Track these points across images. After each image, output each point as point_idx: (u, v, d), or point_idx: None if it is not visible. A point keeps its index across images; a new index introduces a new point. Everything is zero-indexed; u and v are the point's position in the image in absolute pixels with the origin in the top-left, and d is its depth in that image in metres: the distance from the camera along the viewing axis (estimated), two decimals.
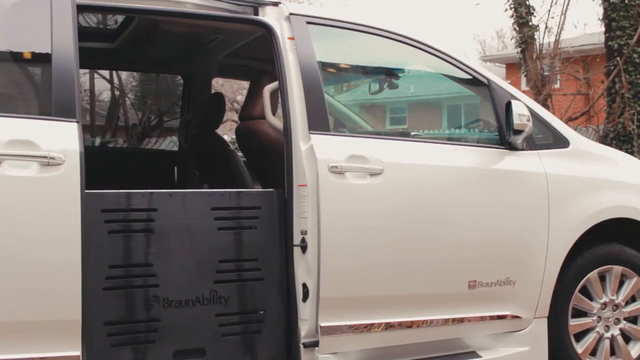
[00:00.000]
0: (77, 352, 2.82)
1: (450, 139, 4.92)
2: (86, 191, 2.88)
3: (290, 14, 3.48)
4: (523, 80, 14.95)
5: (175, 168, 5.31)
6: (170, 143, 11.01)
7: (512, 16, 13.85)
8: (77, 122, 2.89)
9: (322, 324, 3.28)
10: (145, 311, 3.08)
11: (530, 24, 13.63)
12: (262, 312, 3.31)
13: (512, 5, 13.75)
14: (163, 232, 3.13)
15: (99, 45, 4.80)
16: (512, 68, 21.75)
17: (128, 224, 3.09)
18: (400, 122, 26.29)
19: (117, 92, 14.77)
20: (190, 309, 3.15)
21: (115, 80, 14.24)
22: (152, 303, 3.10)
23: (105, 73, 13.65)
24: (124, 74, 13.70)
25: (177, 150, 5.85)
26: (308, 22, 3.51)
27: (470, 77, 3.88)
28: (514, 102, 3.66)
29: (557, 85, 15.98)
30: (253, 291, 3.30)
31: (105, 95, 15.22)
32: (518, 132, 3.65)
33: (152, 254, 3.11)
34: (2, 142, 2.75)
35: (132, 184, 4.96)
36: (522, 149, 3.78)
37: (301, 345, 3.29)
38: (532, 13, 13.68)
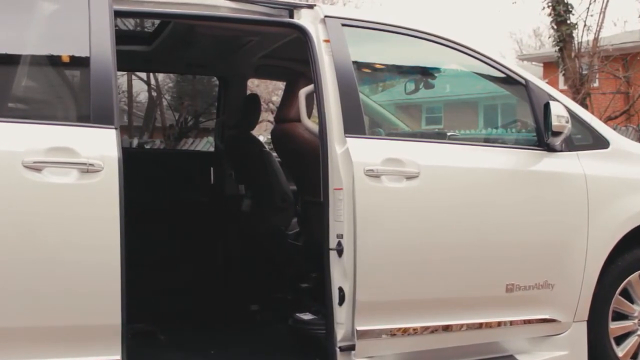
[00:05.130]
0: (117, 357, 2.84)
1: (487, 140, 4.86)
2: None
3: (326, 16, 3.47)
4: (561, 79, 14.80)
5: (212, 169, 5.35)
6: (206, 144, 11.07)
7: (549, 14, 13.71)
8: (116, 128, 2.91)
9: (358, 328, 3.27)
10: None
11: (568, 22, 13.48)
12: None
13: (550, 3, 13.61)
14: None
15: (136, 48, 4.85)
16: (549, 67, 21.47)
17: None
18: (436, 122, 26.14)
19: (154, 94, 14.93)
20: None
21: (152, 82, 14.40)
22: None
23: (142, 75, 13.81)
24: (160, 76, 13.84)
25: (213, 151, 5.88)
26: (343, 24, 3.50)
27: (507, 77, 3.83)
28: (552, 103, 3.60)
29: (595, 84, 15.75)
30: None
31: (143, 97, 15.39)
32: (556, 133, 3.60)
33: None
34: (42, 150, 2.78)
35: (169, 185, 5.04)
36: (561, 150, 3.73)
37: (337, 349, 3.28)
38: (571, 11, 13.53)
